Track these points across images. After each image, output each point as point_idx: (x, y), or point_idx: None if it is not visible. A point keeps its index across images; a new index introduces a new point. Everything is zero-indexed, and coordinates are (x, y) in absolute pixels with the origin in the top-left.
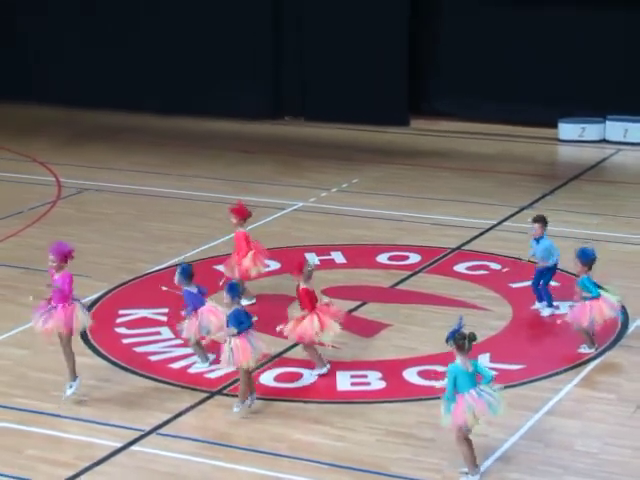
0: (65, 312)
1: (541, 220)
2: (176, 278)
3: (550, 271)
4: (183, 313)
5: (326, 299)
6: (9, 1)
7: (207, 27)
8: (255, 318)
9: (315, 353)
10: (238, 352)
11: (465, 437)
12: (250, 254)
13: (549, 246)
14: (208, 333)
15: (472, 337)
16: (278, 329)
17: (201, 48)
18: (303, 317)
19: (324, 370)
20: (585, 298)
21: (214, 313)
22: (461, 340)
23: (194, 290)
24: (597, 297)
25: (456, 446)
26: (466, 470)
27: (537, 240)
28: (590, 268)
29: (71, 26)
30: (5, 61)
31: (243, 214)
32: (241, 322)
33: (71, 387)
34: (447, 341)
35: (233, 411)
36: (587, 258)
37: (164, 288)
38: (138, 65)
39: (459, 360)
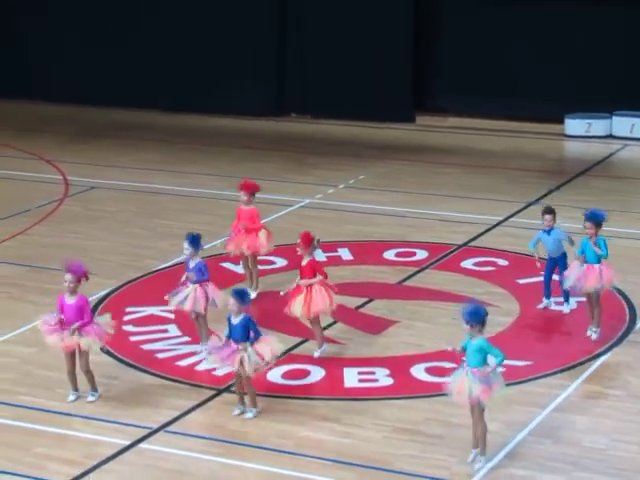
0: (95, 330)
1: (552, 211)
2: (189, 246)
3: (562, 262)
4: (186, 280)
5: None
6: (10, 0)
7: (211, 25)
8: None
9: (320, 329)
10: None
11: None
12: (264, 231)
13: (561, 236)
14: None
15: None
16: (282, 293)
17: (205, 46)
18: (306, 289)
19: (322, 349)
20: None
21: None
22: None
23: (203, 262)
24: (606, 258)
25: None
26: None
27: (548, 232)
28: (596, 224)
29: (73, 24)
30: (9, 59)
31: (254, 188)
32: (255, 331)
33: (93, 396)
34: (474, 323)
35: (247, 417)
36: (598, 218)
37: (167, 298)
38: (143, 63)
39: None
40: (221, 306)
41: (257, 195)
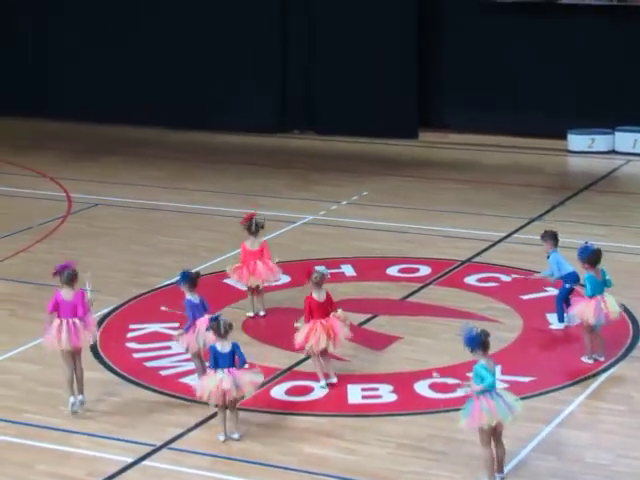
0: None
1: (545, 236)
2: (177, 282)
3: (564, 286)
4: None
5: (339, 312)
6: (11, 11)
7: (215, 41)
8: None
9: (317, 364)
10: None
11: (489, 441)
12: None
13: (553, 260)
14: (204, 345)
15: (487, 333)
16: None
17: (209, 64)
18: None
19: (320, 384)
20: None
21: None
22: (487, 337)
23: (196, 300)
24: (590, 296)
25: (480, 449)
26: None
27: (548, 256)
28: (591, 264)
29: (76, 43)
30: (10, 77)
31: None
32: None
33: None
34: (473, 349)
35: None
36: (582, 254)
37: (163, 308)
38: (146, 81)
39: (483, 361)
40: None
41: (260, 212)
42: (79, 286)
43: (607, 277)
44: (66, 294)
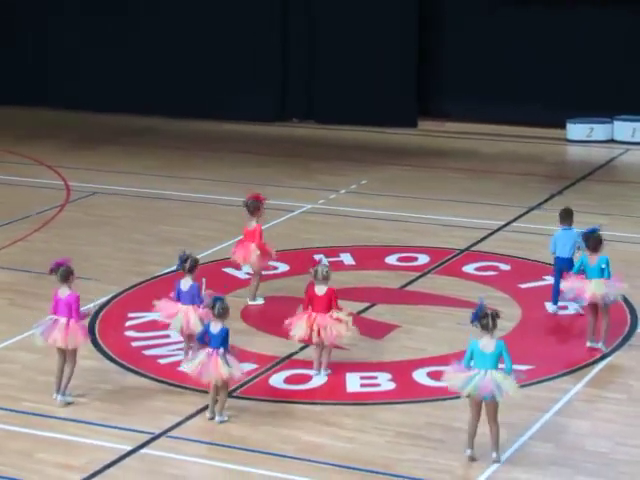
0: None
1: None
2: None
3: (556, 263)
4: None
5: (338, 314)
6: (12, 9)
7: (214, 31)
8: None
9: (315, 354)
10: (216, 368)
11: (472, 413)
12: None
13: (554, 237)
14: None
15: (495, 315)
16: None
17: (208, 52)
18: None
19: (312, 373)
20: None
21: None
22: (484, 319)
23: (184, 286)
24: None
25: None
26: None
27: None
28: (588, 248)
29: (75, 30)
30: (10, 65)
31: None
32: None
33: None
34: (472, 322)
35: (216, 421)
36: (584, 235)
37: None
38: (144, 69)
39: (483, 340)
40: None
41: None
42: (74, 283)
43: (603, 266)
44: (62, 292)
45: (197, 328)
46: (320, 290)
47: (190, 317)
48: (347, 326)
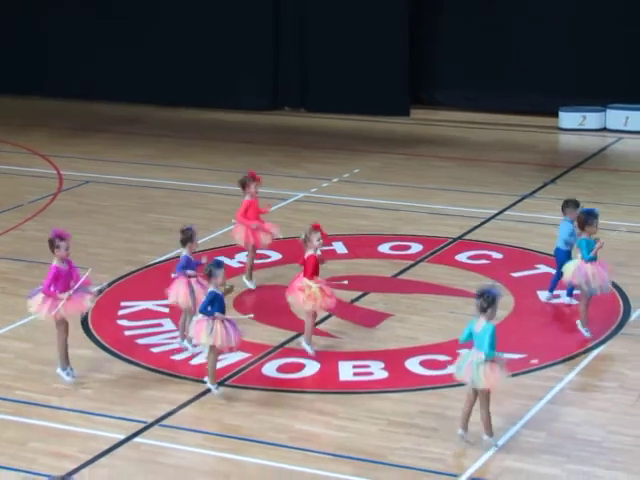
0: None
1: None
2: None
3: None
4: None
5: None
6: None
7: (206, 20)
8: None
9: (309, 324)
10: (217, 334)
11: (468, 395)
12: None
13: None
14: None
15: (489, 298)
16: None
17: (200, 40)
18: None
19: (309, 351)
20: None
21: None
22: (479, 299)
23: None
24: (585, 260)
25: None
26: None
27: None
28: (584, 228)
29: (70, 19)
30: (5, 55)
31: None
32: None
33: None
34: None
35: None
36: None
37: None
38: (138, 58)
39: (479, 321)
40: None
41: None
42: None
43: (583, 249)
44: (62, 265)
45: (180, 299)
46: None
47: (176, 288)
48: (304, 294)
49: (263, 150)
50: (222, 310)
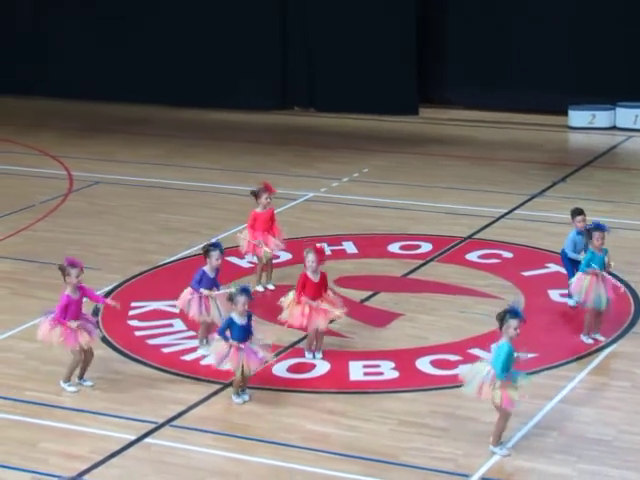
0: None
1: (583, 212)
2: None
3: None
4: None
5: (326, 301)
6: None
7: (215, 19)
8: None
9: (309, 338)
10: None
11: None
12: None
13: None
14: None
15: (500, 315)
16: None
17: (209, 40)
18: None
19: (306, 356)
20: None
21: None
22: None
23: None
24: (581, 272)
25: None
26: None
27: (581, 232)
28: (588, 242)
29: (76, 20)
30: (12, 56)
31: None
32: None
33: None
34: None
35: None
36: (604, 229)
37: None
38: (146, 58)
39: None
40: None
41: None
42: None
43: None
44: (73, 294)
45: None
46: (315, 277)
47: (186, 299)
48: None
49: (272, 150)
50: (241, 337)
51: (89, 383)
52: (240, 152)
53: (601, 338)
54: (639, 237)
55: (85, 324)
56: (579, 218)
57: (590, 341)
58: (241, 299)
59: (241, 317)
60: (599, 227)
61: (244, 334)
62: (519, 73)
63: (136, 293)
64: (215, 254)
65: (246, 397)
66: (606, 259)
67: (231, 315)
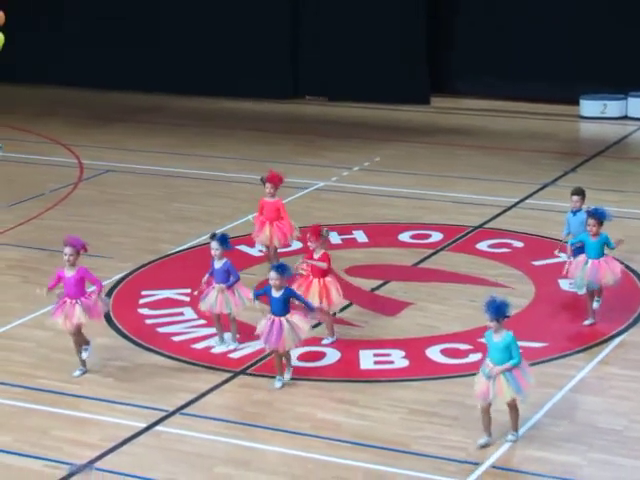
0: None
1: (580, 193)
2: (218, 246)
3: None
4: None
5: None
6: None
7: (226, 8)
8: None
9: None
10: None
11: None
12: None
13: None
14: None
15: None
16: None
17: (220, 28)
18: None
19: (332, 340)
20: (569, 257)
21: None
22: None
23: (217, 265)
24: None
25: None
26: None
27: (574, 212)
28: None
29: (87, 8)
30: (25, 45)
31: (280, 180)
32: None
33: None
34: (500, 318)
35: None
36: (603, 216)
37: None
38: (157, 47)
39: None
40: (248, 304)
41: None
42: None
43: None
44: (67, 271)
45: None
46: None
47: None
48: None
49: (284, 139)
50: (275, 310)
51: (84, 355)
52: (251, 141)
53: (587, 322)
54: None
55: (72, 304)
56: (575, 198)
57: (588, 322)
58: (270, 274)
59: (277, 291)
60: (594, 214)
61: (277, 307)
62: (531, 63)
63: (147, 282)
64: (212, 244)
65: (279, 384)
66: (613, 241)
67: (269, 285)
